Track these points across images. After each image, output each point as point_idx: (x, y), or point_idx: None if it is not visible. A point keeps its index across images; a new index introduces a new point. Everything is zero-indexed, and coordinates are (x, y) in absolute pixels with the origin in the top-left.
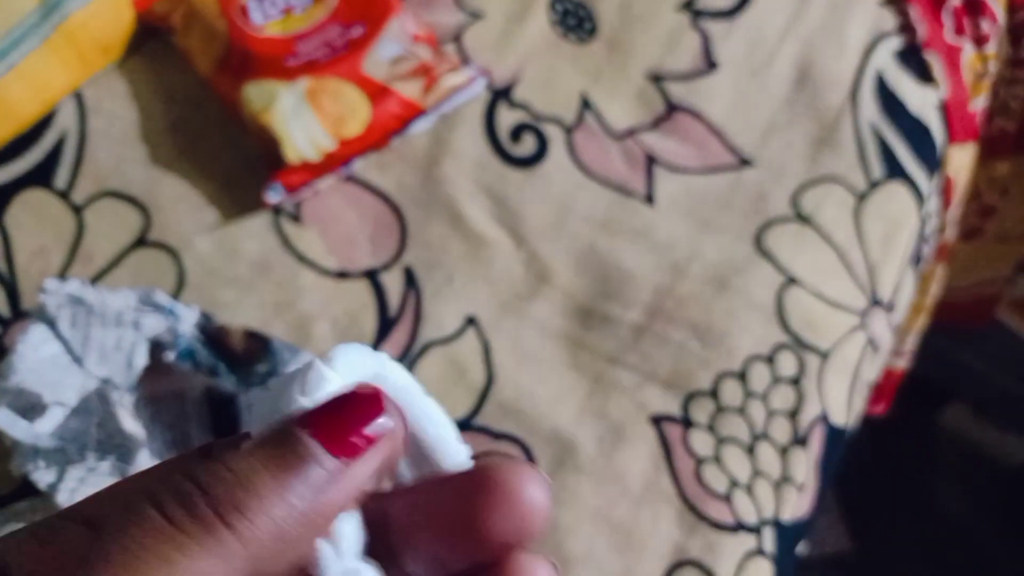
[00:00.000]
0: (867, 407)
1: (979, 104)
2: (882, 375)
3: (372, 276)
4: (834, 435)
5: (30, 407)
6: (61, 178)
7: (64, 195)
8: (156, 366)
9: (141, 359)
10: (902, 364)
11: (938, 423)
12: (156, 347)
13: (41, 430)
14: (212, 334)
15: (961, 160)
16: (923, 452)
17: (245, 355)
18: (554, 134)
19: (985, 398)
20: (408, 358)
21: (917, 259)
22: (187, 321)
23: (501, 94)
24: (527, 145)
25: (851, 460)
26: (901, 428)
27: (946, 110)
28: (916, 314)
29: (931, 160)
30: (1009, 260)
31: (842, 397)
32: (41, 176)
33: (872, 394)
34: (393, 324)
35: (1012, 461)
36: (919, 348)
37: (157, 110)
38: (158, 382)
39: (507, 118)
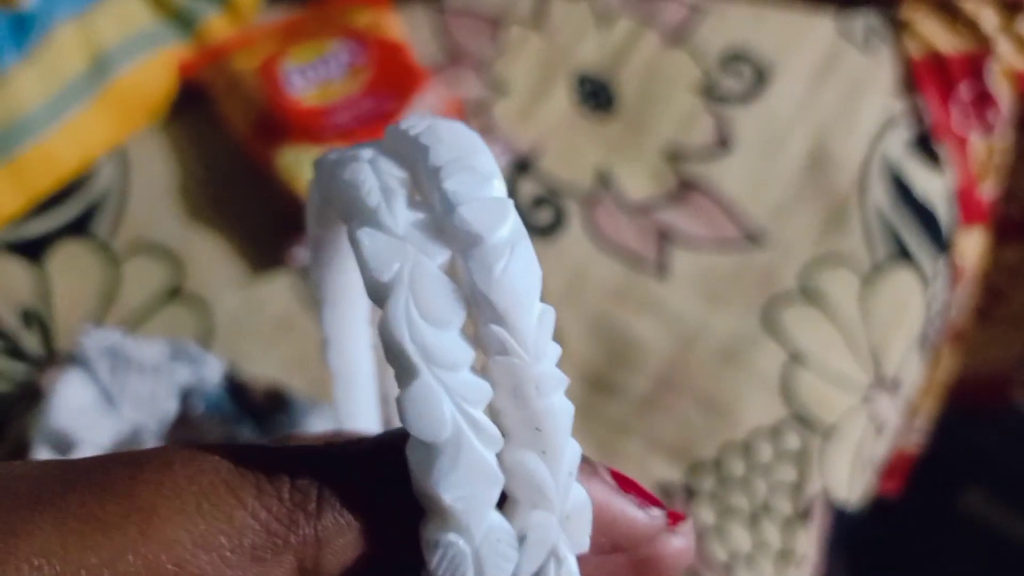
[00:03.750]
0: (879, 485)
1: (987, 189)
2: (893, 454)
3: None
4: (836, 511)
5: (67, 447)
6: (102, 229)
7: (104, 246)
8: (184, 414)
9: (173, 407)
10: (914, 444)
11: (957, 505)
12: (186, 395)
13: None
14: (236, 386)
15: (970, 244)
16: (941, 534)
17: (266, 407)
18: (572, 206)
19: (1002, 481)
20: None
21: (923, 340)
22: (214, 372)
23: (523, 166)
24: (545, 215)
25: (868, 541)
26: (920, 509)
27: (955, 196)
28: (926, 395)
29: (937, 243)
30: (1021, 343)
31: (844, 474)
32: (83, 226)
33: (883, 472)
34: None
35: None
36: (937, 429)
37: (195, 170)
38: (185, 429)
39: (528, 189)
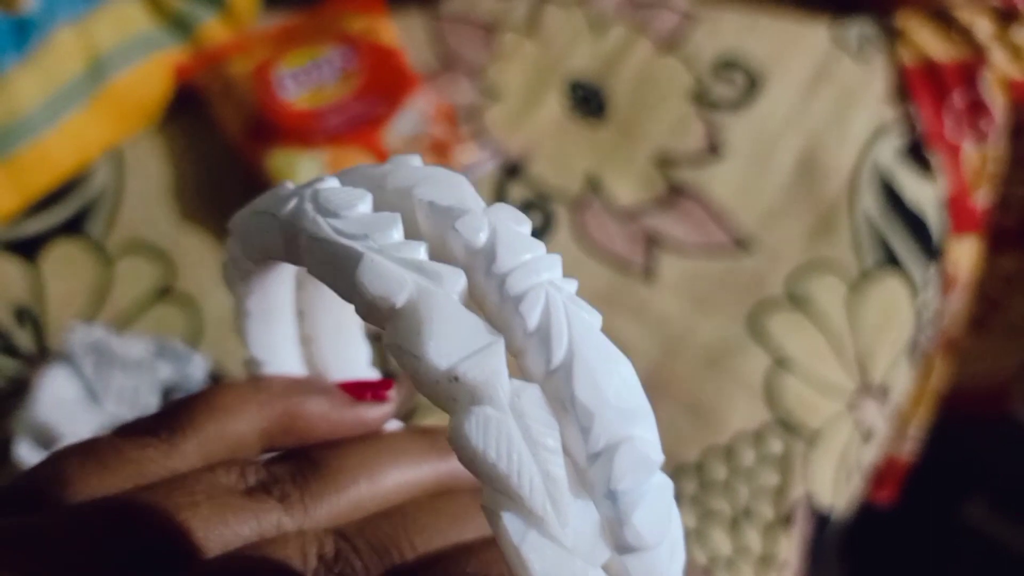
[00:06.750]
0: (872, 494)
1: (980, 198)
2: (885, 462)
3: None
4: (820, 517)
5: (49, 441)
6: (96, 229)
7: (98, 245)
8: None
9: (154, 403)
10: (908, 452)
11: (959, 516)
12: (168, 392)
13: None
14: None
15: (963, 252)
16: (943, 545)
17: None
18: (561, 211)
19: (1004, 492)
20: (401, 415)
21: (913, 347)
22: (199, 370)
23: (513, 171)
24: (534, 219)
25: (869, 551)
26: (921, 520)
27: (946, 204)
28: (918, 403)
29: (927, 251)
30: (1017, 354)
31: (828, 479)
32: (78, 226)
33: (876, 480)
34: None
35: None
36: (938, 440)
37: (189, 172)
38: None
39: (517, 193)
